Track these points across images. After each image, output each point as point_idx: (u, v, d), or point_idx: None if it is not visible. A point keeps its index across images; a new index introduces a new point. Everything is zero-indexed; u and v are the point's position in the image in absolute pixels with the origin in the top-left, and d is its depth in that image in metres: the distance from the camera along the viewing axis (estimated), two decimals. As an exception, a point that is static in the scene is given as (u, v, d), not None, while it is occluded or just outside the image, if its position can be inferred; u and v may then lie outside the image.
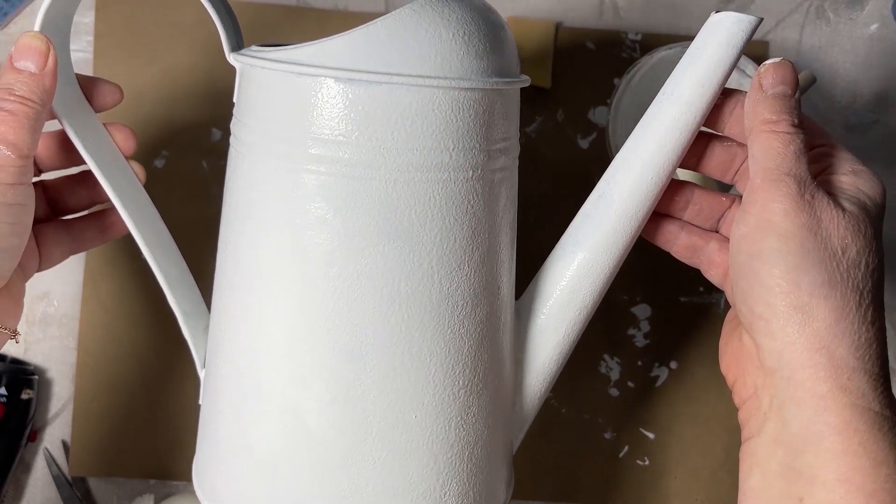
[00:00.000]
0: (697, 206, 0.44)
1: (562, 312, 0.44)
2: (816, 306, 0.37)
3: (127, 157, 0.47)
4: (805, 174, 0.38)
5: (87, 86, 0.46)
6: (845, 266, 0.37)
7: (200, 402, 0.47)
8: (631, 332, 0.59)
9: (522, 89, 0.44)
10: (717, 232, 0.45)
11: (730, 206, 0.44)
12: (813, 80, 0.53)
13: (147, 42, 0.58)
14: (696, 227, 0.45)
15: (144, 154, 0.58)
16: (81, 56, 0.58)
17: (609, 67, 0.59)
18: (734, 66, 0.40)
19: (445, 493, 0.42)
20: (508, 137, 0.42)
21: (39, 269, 0.47)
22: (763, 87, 0.40)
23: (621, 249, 0.43)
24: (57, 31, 0.44)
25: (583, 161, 0.59)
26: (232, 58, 0.44)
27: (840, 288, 0.37)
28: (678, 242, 0.45)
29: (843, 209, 0.38)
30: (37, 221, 0.45)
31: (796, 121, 0.39)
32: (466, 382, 0.42)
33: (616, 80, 0.59)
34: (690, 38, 0.58)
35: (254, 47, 0.44)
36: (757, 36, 0.59)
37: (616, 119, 0.54)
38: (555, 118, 0.59)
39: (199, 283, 0.49)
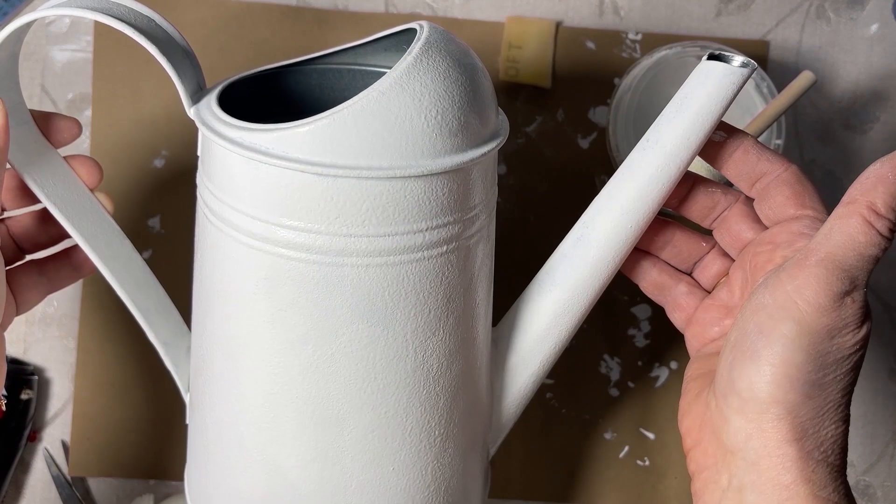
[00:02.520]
0: (676, 248, 0.44)
1: (538, 347, 0.44)
2: (800, 404, 0.36)
3: (92, 190, 0.45)
4: (862, 281, 0.36)
5: (43, 122, 0.43)
6: (843, 372, 0.37)
7: (188, 422, 0.47)
8: (631, 332, 0.59)
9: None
10: (689, 275, 0.44)
11: (708, 252, 0.44)
12: (813, 81, 0.53)
13: (147, 42, 0.58)
14: (670, 265, 0.44)
15: (144, 154, 0.58)
16: (81, 56, 0.58)
17: (609, 67, 0.59)
18: (722, 115, 0.39)
19: None
20: (487, 197, 0.41)
21: (17, 314, 0.45)
22: (893, 176, 0.37)
23: (597, 290, 0.42)
24: (4, 74, 0.41)
25: (583, 161, 0.59)
26: (192, 113, 0.40)
27: (827, 390, 0.36)
28: (648, 278, 0.44)
29: (871, 320, 0.37)
30: (7, 265, 0.43)
31: (894, 228, 0.37)
32: (442, 431, 0.42)
33: (616, 80, 0.59)
34: (690, 38, 0.59)
35: (214, 106, 0.40)
36: (757, 35, 0.59)
37: (616, 119, 0.54)
38: (555, 118, 0.59)
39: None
